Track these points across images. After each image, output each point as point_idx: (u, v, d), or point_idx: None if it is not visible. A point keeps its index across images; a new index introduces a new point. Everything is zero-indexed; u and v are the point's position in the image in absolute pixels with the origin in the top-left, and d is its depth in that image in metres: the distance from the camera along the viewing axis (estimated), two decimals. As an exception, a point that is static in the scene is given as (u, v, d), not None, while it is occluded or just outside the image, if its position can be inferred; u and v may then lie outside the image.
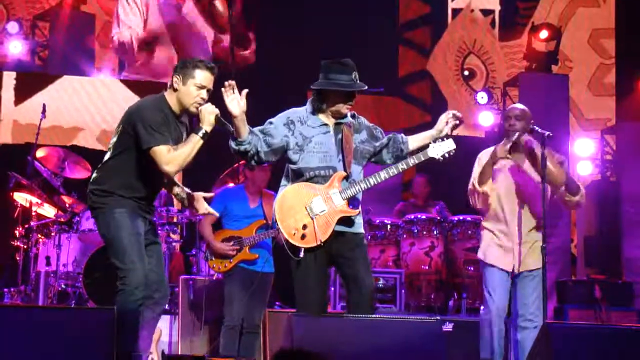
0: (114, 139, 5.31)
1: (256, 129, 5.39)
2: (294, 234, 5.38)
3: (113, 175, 5.25)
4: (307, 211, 5.39)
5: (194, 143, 5.13)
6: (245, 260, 7.58)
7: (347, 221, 5.45)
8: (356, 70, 5.41)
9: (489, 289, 6.26)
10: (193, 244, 8.39)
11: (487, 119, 10.94)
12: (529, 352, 5.47)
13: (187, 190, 5.58)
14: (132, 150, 5.20)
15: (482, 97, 10.96)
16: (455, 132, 11.55)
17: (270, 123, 5.43)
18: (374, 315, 5.59)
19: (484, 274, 6.35)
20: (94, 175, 5.36)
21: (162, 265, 5.43)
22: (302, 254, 5.34)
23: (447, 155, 5.57)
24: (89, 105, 10.84)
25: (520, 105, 6.42)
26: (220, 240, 7.63)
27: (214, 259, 7.63)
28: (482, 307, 6.45)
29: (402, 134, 5.65)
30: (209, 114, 5.15)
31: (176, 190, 5.61)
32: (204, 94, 5.24)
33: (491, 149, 6.41)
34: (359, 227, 5.53)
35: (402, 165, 5.46)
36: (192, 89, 5.23)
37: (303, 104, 5.59)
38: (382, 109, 11.23)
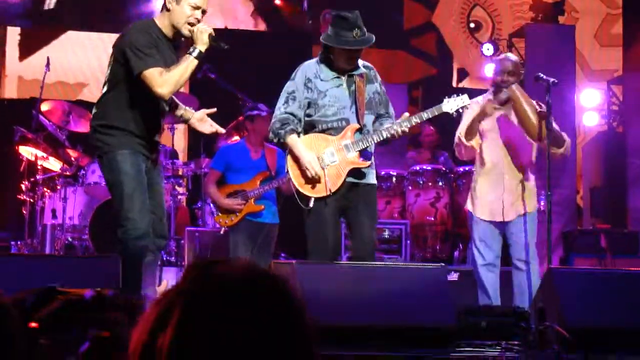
0: (108, 71, 5.16)
1: (295, 108, 5.40)
2: (305, 183, 5.39)
3: (111, 109, 5.09)
4: (318, 162, 5.39)
5: (188, 63, 4.98)
6: (251, 212, 7.60)
7: (358, 173, 5.46)
8: (359, 25, 5.34)
9: (477, 242, 6.30)
10: (198, 197, 8.41)
11: (492, 70, 10.85)
12: (533, 297, 5.46)
13: (192, 110, 5.47)
14: (126, 79, 5.05)
15: (487, 48, 10.85)
16: (461, 84, 11.55)
17: (294, 93, 5.43)
18: (378, 262, 5.62)
19: (472, 226, 6.37)
20: (94, 111, 5.22)
21: (163, 207, 5.32)
22: (312, 204, 5.35)
23: (461, 110, 5.56)
24: (93, 60, 10.78)
25: (512, 57, 6.34)
26: (226, 195, 7.65)
27: (220, 214, 7.65)
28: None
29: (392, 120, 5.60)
30: (202, 33, 5.00)
31: (180, 112, 5.44)
32: (198, 14, 5.07)
33: (479, 98, 6.36)
34: (371, 178, 5.54)
35: (415, 119, 5.43)
36: (186, 8, 5.05)
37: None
38: (387, 63, 11.15)
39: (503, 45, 11.34)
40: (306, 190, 5.38)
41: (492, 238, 6.26)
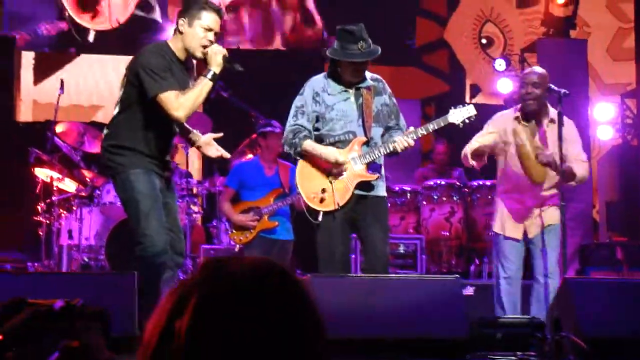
0: (121, 93, 5.19)
1: (304, 122, 5.44)
2: (313, 197, 5.43)
3: (123, 129, 5.11)
4: (325, 175, 5.42)
5: (203, 85, 5.01)
6: (265, 229, 7.63)
7: (366, 185, 5.47)
8: (364, 38, 5.36)
9: (501, 259, 6.25)
10: (213, 216, 8.43)
11: (505, 85, 10.85)
12: (548, 307, 5.44)
13: (198, 134, 5.49)
14: (139, 101, 5.08)
15: (500, 64, 10.86)
16: (474, 100, 11.54)
17: (302, 107, 5.46)
18: (392, 275, 5.61)
19: (495, 242, 6.36)
20: (105, 132, 5.24)
21: (179, 224, 5.33)
22: (320, 218, 5.38)
23: (467, 121, 5.54)
24: (107, 82, 10.85)
25: (538, 69, 6.29)
26: (239, 212, 7.67)
27: (234, 231, 7.68)
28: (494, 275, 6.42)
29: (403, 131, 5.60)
30: (216, 55, 5.03)
31: (191, 136, 5.47)
32: (210, 36, 5.09)
33: (506, 113, 6.33)
34: (381, 190, 5.55)
35: (421, 130, 5.44)
36: (198, 31, 5.07)
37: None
38: (399, 80, 11.18)
39: (515, 61, 11.36)
40: (314, 204, 5.42)
41: (515, 253, 6.23)
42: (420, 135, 5.44)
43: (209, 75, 5.02)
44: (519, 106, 6.29)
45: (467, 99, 11.51)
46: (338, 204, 5.36)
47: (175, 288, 1.38)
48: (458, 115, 5.50)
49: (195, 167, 10.16)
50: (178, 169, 8.07)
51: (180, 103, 4.97)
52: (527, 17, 12.22)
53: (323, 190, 5.42)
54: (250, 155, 8.49)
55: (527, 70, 6.46)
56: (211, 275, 1.37)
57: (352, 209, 5.43)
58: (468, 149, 6.20)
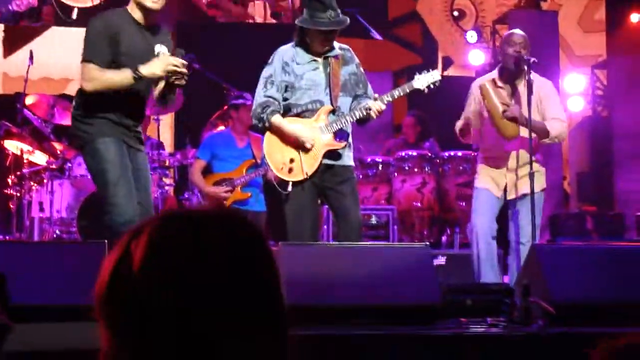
0: None
1: (273, 92, 5.41)
2: (282, 168, 5.44)
3: (91, 97, 5.03)
4: (293, 146, 5.42)
5: (123, 78, 4.90)
6: (238, 200, 7.63)
7: (334, 154, 5.48)
8: (334, 7, 5.38)
9: (475, 208, 6.29)
10: (186, 188, 8.42)
11: (477, 57, 10.90)
12: (518, 274, 5.48)
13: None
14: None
15: (471, 36, 10.89)
16: (446, 72, 11.55)
17: (271, 77, 5.44)
18: (362, 243, 5.62)
19: (473, 198, 6.38)
20: (74, 101, 5.18)
21: (150, 195, 5.28)
22: (290, 188, 5.39)
23: (432, 86, 5.55)
24: (78, 55, 10.74)
25: (521, 32, 6.30)
26: (212, 184, 7.70)
27: (207, 203, 7.65)
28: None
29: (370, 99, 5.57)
30: (162, 64, 4.93)
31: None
32: None
33: (485, 78, 6.35)
34: (348, 159, 5.55)
35: (387, 97, 5.45)
36: None
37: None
38: (372, 52, 11.17)
39: (487, 33, 11.38)
40: (283, 174, 5.43)
41: (489, 205, 6.21)
42: (385, 102, 5.45)
43: (134, 74, 4.89)
44: (495, 70, 6.35)
45: (440, 71, 11.52)
46: (307, 174, 5.38)
47: (135, 225, 1.35)
48: (423, 80, 5.53)
49: (167, 138, 10.10)
50: (150, 140, 8.04)
51: (93, 77, 4.91)
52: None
53: (291, 161, 5.43)
54: (221, 127, 8.47)
55: (510, 32, 6.42)
56: (171, 213, 1.34)
57: (320, 179, 5.44)
58: (457, 127, 6.27)
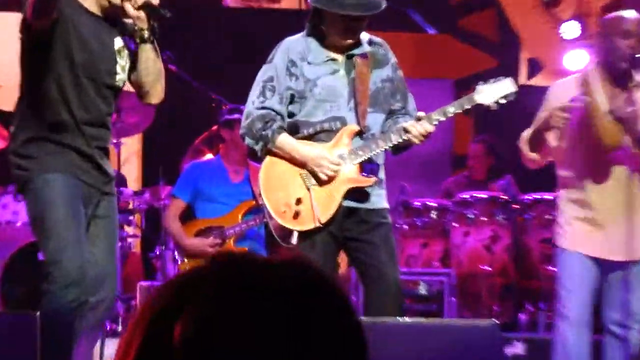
0: (20, 70, 5.41)
1: (274, 103, 5.52)
2: (284, 211, 5.54)
3: (30, 115, 5.29)
4: (302, 180, 5.55)
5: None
6: (230, 258, 7.79)
7: (359, 194, 5.57)
8: None
9: (566, 285, 6.20)
10: (157, 240, 8.55)
11: (577, 60, 10.96)
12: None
13: None
14: (38, 66, 5.28)
15: (570, 29, 10.99)
16: (532, 81, 11.68)
17: (272, 81, 5.54)
18: (410, 319, 5.76)
19: (559, 263, 6.32)
20: (11, 130, 5.44)
21: (114, 251, 5.49)
22: (294, 240, 5.49)
23: (503, 101, 5.58)
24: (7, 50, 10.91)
25: (636, 15, 6.13)
26: (194, 234, 7.90)
27: (186, 260, 7.88)
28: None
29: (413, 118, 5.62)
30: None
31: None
32: None
33: (569, 80, 6.40)
34: (380, 201, 5.67)
35: (436, 116, 5.47)
36: None
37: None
38: (427, 52, 11.29)
39: (592, 24, 11.49)
40: (286, 221, 5.51)
41: (587, 285, 6.16)
42: (435, 122, 5.47)
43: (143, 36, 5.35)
44: (589, 68, 6.29)
45: (523, 79, 11.67)
46: (319, 221, 5.47)
47: (168, 283, 1.38)
48: (490, 93, 5.53)
49: (131, 170, 10.31)
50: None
51: None
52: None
53: (298, 201, 5.53)
54: (209, 155, 8.68)
55: (619, 15, 6.23)
56: (225, 269, 1.37)
57: (339, 228, 5.55)
58: (523, 137, 6.28)
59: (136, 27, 5.31)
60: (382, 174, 5.68)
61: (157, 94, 5.50)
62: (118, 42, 5.46)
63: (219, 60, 10.07)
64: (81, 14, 5.37)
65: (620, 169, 6.15)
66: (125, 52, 5.47)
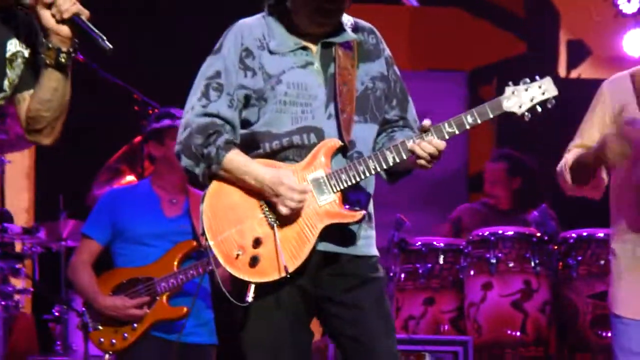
0: None
1: (222, 106, 5.43)
2: (237, 256, 5.42)
3: None
4: (263, 214, 5.47)
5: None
6: (161, 321, 7.70)
7: (341, 235, 5.50)
8: None
9: (616, 354, 6.29)
10: (56, 297, 8.53)
11: (638, 43, 11.06)
12: None
13: None
14: None
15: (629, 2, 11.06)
16: (576, 72, 11.72)
17: (219, 77, 5.50)
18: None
19: (615, 333, 6.37)
20: None
21: None
22: (250, 297, 5.38)
23: (539, 108, 5.53)
24: None
25: None
26: (113, 289, 7.83)
27: (101, 327, 7.82)
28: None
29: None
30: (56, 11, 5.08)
31: None
32: None
33: (624, 75, 6.42)
34: (369, 246, 5.60)
35: (448, 128, 5.34)
36: None
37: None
38: (433, 31, 11.33)
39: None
40: (240, 270, 5.41)
41: None
42: (447, 136, 5.37)
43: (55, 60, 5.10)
44: None
45: (562, 70, 11.67)
46: (286, 270, 5.35)
47: None
48: (522, 97, 5.49)
49: (19, 202, 10.30)
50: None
51: None
52: None
53: (257, 243, 5.42)
54: (130, 178, 8.65)
55: None
56: None
57: (314, 281, 5.49)
58: (567, 162, 6.31)
59: (50, 45, 5.13)
60: (371, 207, 5.62)
61: (53, 134, 5.32)
62: (12, 46, 5.29)
63: (146, 47, 9.97)
64: None
65: None
66: (19, 62, 5.28)
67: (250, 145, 5.50)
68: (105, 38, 4.98)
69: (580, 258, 8.83)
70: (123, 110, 8.70)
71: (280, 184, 5.31)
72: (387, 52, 5.70)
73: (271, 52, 5.50)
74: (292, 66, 5.50)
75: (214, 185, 5.50)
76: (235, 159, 5.38)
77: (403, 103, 5.71)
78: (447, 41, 11.52)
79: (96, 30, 4.99)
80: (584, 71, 11.83)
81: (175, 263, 7.77)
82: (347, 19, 5.59)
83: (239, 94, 5.47)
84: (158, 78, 8.78)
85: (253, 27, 5.57)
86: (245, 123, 5.52)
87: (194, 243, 7.82)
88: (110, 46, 5.03)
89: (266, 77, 5.47)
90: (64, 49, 4.94)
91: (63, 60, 4.96)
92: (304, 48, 5.53)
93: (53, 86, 5.06)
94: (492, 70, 11.53)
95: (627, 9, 10.98)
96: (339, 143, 5.45)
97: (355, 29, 5.63)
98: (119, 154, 8.79)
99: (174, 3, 10.69)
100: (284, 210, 5.31)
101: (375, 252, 5.59)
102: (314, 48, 5.55)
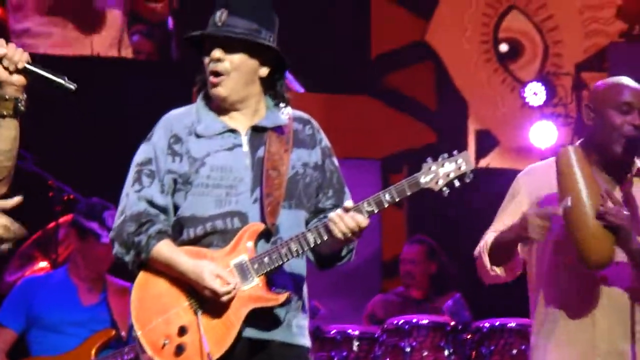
0: None
1: (155, 192, 5.51)
2: (163, 345, 5.45)
3: None
4: (188, 302, 5.50)
5: None
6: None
7: (269, 320, 5.52)
8: (231, 5, 5.54)
9: None
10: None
11: (545, 134, 11.13)
12: None
13: None
14: None
15: (535, 92, 11.16)
16: (483, 161, 11.76)
17: (150, 164, 5.55)
18: None
19: None
20: None
21: None
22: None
23: (456, 182, 5.56)
24: None
25: (635, 84, 6.26)
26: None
27: None
28: None
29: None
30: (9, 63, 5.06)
31: None
32: None
33: (541, 166, 6.45)
34: (300, 334, 5.63)
35: (367, 206, 5.41)
36: None
37: None
38: (342, 118, 11.34)
39: (565, 86, 11.64)
40: (164, 357, 5.43)
41: None
42: (367, 215, 5.43)
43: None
44: (571, 151, 6.36)
45: (471, 159, 11.69)
46: (209, 357, 5.39)
47: None
48: (438, 173, 5.53)
49: None
50: None
51: None
52: (589, 2, 12.53)
53: (182, 331, 5.45)
54: (43, 264, 8.65)
55: (616, 81, 6.21)
56: None
57: None
58: (483, 246, 6.25)
59: (8, 97, 5.01)
60: (305, 296, 5.65)
61: (9, 181, 5.32)
62: None
63: (68, 129, 9.96)
64: None
65: (614, 293, 6.19)
66: None
67: (179, 231, 5.54)
68: (66, 78, 5.06)
69: (493, 347, 8.88)
70: (38, 195, 8.69)
71: (203, 272, 5.34)
72: (325, 142, 5.77)
73: (198, 136, 5.58)
74: (217, 149, 5.57)
75: (141, 275, 5.55)
76: (163, 249, 5.43)
77: (339, 193, 5.74)
78: (360, 129, 11.60)
79: (55, 73, 5.05)
80: (492, 160, 11.93)
81: (93, 352, 7.75)
82: (286, 109, 5.69)
83: (167, 178, 5.53)
84: (76, 164, 8.76)
85: (183, 115, 5.66)
86: (175, 208, 5.56)
87: (113, 332, 7.79)
88: (74, 85, 5.06)
89: (191, 161, 5.54)
90: (21, 97, 5.02)
91: (22, 108, 5.03)
92: (232, 131, 5.59)
93: (13, 135, 5.09)
94: (403, 158, 11.59)
95: (534, 101, 11.09)
96: (262, 227, 5.49)
97: (295, 118, 5.71)
98: (31, 239, 8.74)
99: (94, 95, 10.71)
100: (208, 294, 5.37)
101: (306, 343, 5.63)
102: (243, 131, 5.61)
